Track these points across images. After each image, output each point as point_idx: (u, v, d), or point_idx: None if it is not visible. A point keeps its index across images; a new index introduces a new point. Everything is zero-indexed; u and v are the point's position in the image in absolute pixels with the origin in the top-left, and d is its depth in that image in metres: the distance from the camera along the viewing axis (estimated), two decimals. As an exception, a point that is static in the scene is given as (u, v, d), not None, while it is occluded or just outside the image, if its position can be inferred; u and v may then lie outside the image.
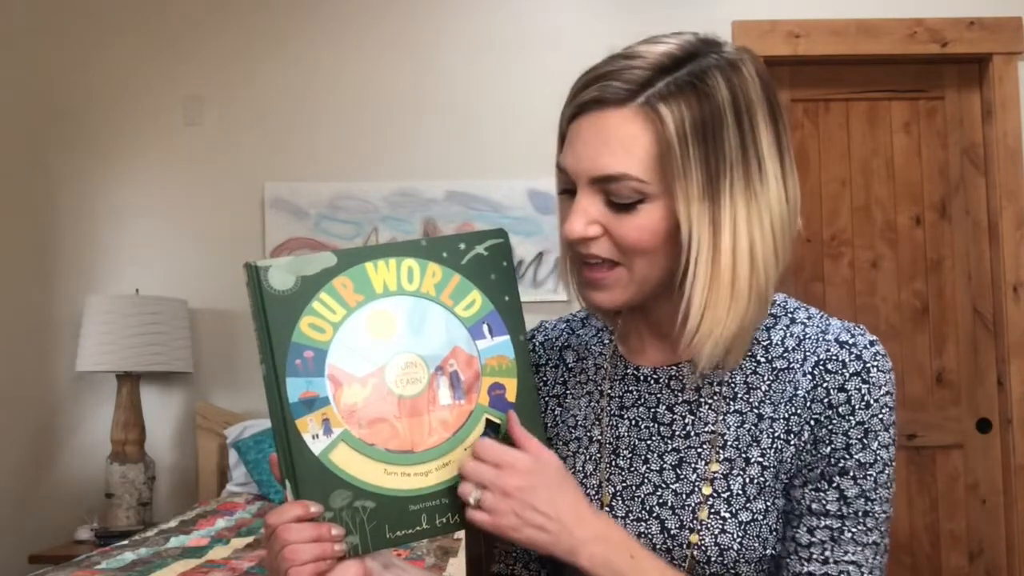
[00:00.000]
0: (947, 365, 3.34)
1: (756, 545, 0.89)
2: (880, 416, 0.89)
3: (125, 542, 2.40)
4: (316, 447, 0.83)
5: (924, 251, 3.38)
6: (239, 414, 3.20)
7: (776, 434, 0.91)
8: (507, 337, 0.91)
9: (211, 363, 3.29)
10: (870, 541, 0.89)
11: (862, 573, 0.89)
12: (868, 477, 0.89)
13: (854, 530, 0.89)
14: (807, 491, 0.90)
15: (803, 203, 3.67)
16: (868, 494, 0.89)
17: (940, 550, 3.29)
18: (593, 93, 0.88)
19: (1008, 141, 3.32)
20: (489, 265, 0.91)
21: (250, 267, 0.84)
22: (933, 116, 3.41)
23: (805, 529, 0.90)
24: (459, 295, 0.89)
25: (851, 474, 0.89)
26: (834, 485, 0.89)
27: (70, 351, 3.19)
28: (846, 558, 0.89)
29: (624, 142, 0.86)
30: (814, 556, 0.89)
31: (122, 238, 3.33)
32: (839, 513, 0.89)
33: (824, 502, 0.89)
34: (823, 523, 0.89)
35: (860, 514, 0.89)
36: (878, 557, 0.90)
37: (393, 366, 0.86)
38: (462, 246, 0.90)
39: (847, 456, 0.89)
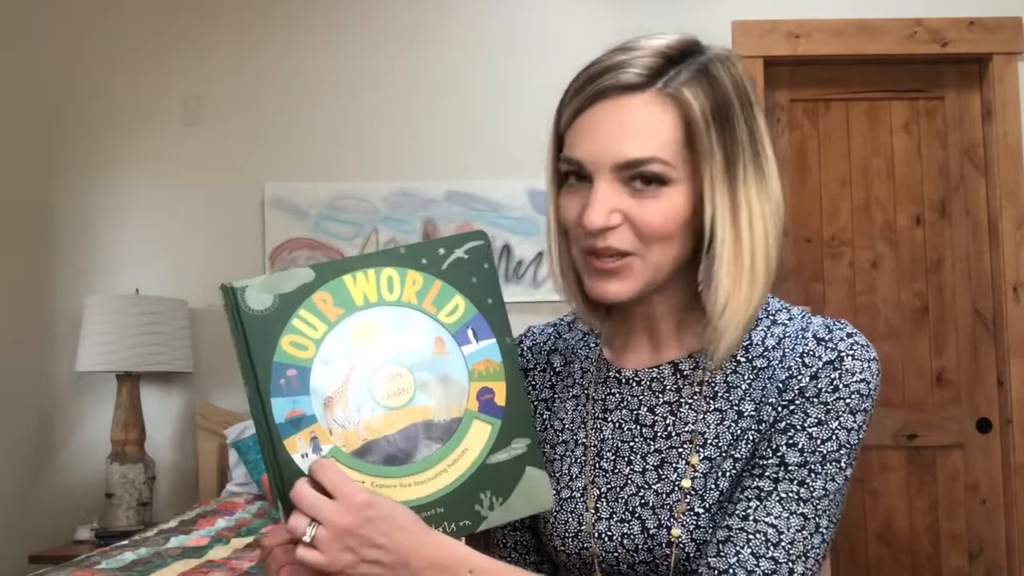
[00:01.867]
0: (947, 365, 3.34)
1: None
2: (847, 400, 0.87)
3: (125, 542, 2.40)
4: (306, 466, 0.81)
5: (924, 251, 3.38)
6: (239, 414, 3.20)
7: (751, 427, 0.90)
8: (493, 340, 0.89)
9: (211, 363, 3.29)
10: (799, 511, 0.85)
11: (780, 540, 0.84)
12: (816, 452, 0.86)
13: (783, 495, 0.85)
14: (754, 458, 0.88)
15: (803, 203, 3.62)
16: (812, 466, 0.86)
17: (940, 550, 3.28)
18: (608, 81, 0.87)
19: (1008, 141, 3.31)
20: (470, 268, 0.88)
21: (226, 289, 0.83)
22: (933, 116, 3.41)
23: (740, 488, 0.88)
24: (441, 301, 0.87)
25: (799, 446, 0.86)
26: (779, 454, 0.87)
27: (70, 351, 3.19)
28: (767, 519, 0.85)
29: (649, 126, 0.86)
30: (736, 511, 0.86)
31: (122, 238, 3.33)
32: (774, 476, 0.86)
33: (764, 467, 0.87)
34: (755, 483, 0.87)
35: (795, 481, 0.86)
36: (805, 533, 0.85)
37: (379, 378, 0.85)
38: (441, 251, 0.88)
39: (799, 429, 0.87)
